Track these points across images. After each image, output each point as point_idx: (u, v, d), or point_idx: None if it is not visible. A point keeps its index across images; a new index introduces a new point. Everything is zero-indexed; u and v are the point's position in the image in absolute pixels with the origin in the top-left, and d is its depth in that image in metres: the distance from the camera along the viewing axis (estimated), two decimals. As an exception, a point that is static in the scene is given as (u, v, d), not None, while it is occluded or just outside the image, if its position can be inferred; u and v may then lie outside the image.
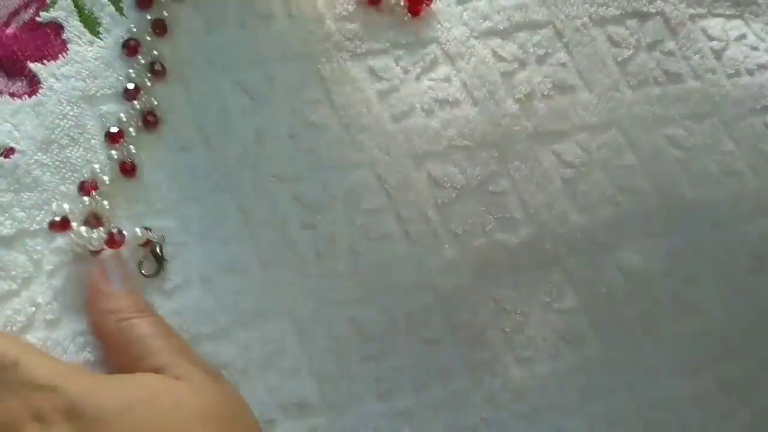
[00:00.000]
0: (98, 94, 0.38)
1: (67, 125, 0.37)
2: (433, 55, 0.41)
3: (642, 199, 0.39)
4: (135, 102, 0.37)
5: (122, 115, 0.37)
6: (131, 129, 0.37)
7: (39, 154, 0.37)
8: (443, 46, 0.41)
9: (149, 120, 0.37)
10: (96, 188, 0.36)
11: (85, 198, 0.36)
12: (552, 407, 0.35)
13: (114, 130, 0.37)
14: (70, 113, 0.38)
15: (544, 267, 0.38)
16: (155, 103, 0.38)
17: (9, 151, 0.37)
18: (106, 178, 0.36)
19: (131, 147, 0.37)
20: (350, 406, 0.34)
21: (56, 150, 0.37)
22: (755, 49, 0.45)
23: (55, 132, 0.37)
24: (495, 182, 0.39)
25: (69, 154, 0.37)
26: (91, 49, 0.39)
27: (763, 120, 0.43)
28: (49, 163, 0.37)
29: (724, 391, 0.36)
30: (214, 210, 0.37)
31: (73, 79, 0.38)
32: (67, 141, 0.37)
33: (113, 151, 0.37)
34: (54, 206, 0.36)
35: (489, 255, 0.37)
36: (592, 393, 0.35)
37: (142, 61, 0.38)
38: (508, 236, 0.38)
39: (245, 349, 0.35)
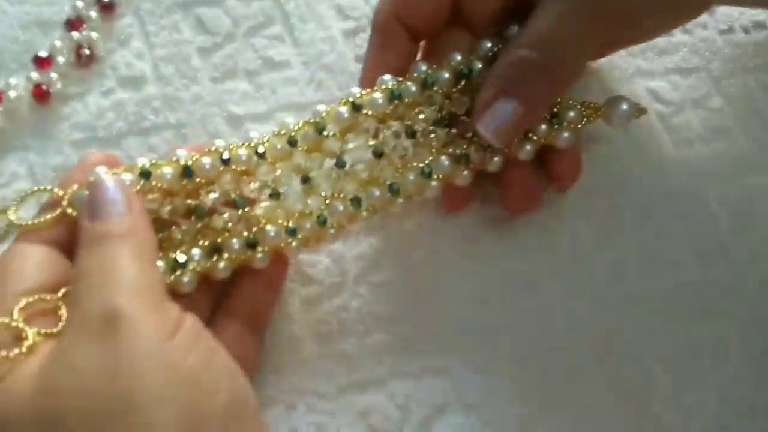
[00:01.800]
0: (51, 20, 0.37)
1: (17, 50, 0.36)
2: (404, -2, 0.39)
3: (614, 149, 0.37)
4: (73, 33, 0.36)
5: (57, 42, 0.36)
6: (60, 59, 0.36)
7: (-15, 76, 0.36)
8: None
9: (81, 54, 0.36)
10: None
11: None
12: (504, 356, 0.32)
13: (43, 54, 0.36)
14: (22, 38, 0.36)
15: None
16: (94, 38, 0.36)
17: (-46, 72, 0.36)
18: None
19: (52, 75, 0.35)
20: (288, 349, 0.32)
21: (4, 74, 0.36)
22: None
23: (4, 56, 0.36)
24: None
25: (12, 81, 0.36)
26: (48, -25, 0.38)
27: (756, 78, 0.40)
28: (-6, 86, 0.36)
29: (695, 353, 0.33)
30: (160, 144, 0.35)
31: (27, 4, 0.37)
32: (15, 66, 0.36)
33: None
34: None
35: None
36: (549, 344, 0.33)
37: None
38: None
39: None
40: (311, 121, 0.31)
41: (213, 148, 0.30)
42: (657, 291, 0.34)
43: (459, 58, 0.32)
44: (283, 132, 0.30)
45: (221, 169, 0.29)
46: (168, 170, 0.29)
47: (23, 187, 0.34)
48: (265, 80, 0.37)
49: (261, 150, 0.30)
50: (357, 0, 0.39)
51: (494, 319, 0.33)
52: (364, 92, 0.31)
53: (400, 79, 0.31)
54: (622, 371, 0.33)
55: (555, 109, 0.33)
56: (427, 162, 0.31)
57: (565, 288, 0.34)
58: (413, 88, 0.31)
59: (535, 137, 0.32)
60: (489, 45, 0.32)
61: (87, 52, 0.36)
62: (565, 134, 0.33)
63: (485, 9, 0.33)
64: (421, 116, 0.31)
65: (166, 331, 0.25)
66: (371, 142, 0.31)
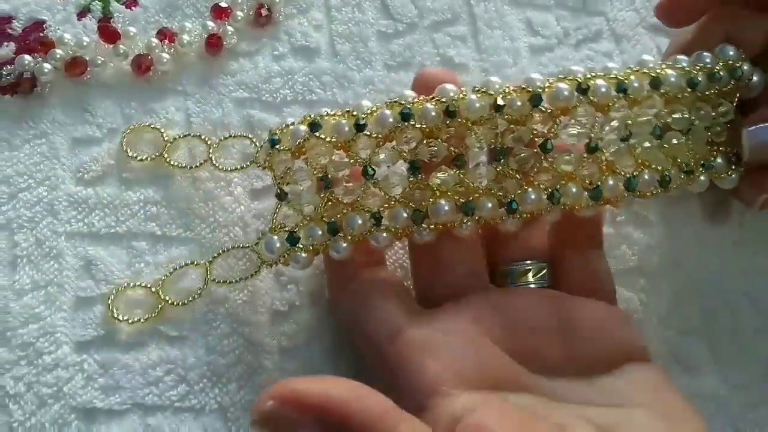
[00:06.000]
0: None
1: (197, -4, 0.35)
2: (598, 27, 0.37)
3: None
4: None
5: None
6: (239, 13, 0.34)
7: (160, 15, 0.34)
8: (610, 23, 0.37)
9: (260, 13, 0.34)
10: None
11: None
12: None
13: (224, 5, 0.34)
14: (204, -15, 0.35)
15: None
16: (276, 0, 0.35)
17: (132, 3, 0.34)
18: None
19: (228, 28, 0.34)
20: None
21: (179, 17, 0.35)
22: None
23: (183, -1, 0.35)
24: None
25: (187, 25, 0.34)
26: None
27: None
28: (167, 25, 0.34)
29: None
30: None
31: (217, -47, 0.36)
32: (191, 12, 0.35)
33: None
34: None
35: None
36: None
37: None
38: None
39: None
40: (527, 88, 0.27)
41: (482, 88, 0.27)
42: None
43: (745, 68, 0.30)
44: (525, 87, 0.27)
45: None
46: (430, 107, 0.26)
47: (176, 134, 0.32)
48: (440, 79, 0.35)
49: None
50: (549, 19, 0.37)
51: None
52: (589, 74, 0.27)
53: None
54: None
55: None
56: (634, 173, 0.27)
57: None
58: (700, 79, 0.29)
59: (715, 172, 0.29)
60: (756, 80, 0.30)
61: (266, 12, 0.35)
62: (734, 176, 0.30)
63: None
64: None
65: None
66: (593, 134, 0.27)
